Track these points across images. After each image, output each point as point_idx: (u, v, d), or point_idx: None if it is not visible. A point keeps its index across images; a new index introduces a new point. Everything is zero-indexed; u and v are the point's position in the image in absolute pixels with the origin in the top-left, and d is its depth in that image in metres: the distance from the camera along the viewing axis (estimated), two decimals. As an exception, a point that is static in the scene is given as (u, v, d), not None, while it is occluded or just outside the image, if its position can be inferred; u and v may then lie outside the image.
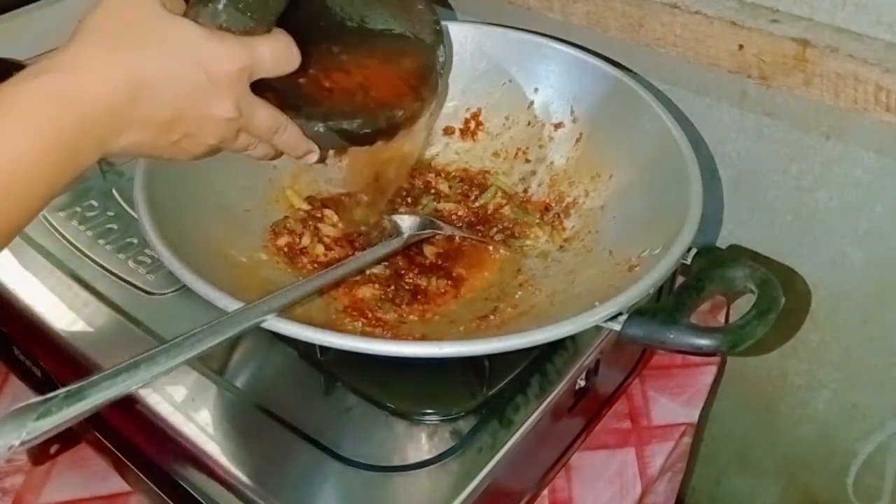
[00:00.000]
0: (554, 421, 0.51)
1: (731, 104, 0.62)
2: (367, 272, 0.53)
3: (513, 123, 0.63)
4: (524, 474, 0.52)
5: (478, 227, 0.58)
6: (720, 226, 0.69)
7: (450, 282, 0.53)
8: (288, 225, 0.56)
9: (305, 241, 0.55)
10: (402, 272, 0.53)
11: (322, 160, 0.50)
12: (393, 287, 0.52)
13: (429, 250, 0.55)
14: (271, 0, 0.42)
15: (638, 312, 0.42)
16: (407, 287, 0.52)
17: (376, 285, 0.52)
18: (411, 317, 0.51)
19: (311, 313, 0.48)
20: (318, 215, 0.57)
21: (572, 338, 0.51)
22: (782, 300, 0.42)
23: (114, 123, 0.36)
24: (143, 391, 0.47)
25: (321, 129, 0.47)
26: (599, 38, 0.63)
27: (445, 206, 0.59)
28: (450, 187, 0.61)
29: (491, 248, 0.56)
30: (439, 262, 0.55)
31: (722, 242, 0.70)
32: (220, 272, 0.46)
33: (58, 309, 0.53)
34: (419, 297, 0.52)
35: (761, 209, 0.65)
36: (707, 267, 0.46)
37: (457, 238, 0.56)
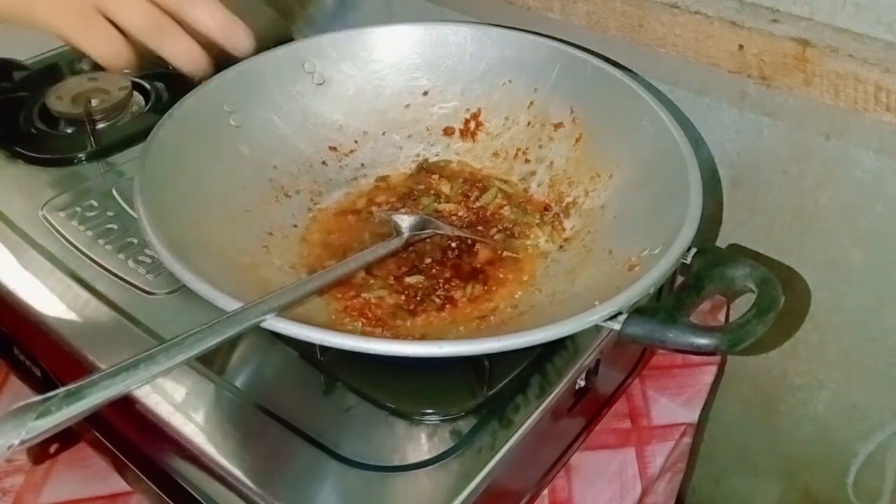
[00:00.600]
0: (554, 421, 0.51)
1: (731, 104, 0.62)
2: (405, 281, 0.52)
3: (513, 123, 0.63)
4: (524, 474, 0.52)
5: (477, 228, 0.58)
6: (720, 226, 0.69)
7: (485, 287, 0.53)
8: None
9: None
10: (442, 282, 0.53)
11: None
12: (420, 296, 0.52)
13: (483, 254, 0.55)
14: None
15: (638, 312, 0.42)
16: (438, 299, 0.52)
17: (402, 296, 0.52)
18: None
19: (311, 313, 0.48)
20: None
21: (572, 338, 0.51)
22: (782, 299, 0.42)
23: None
24: (143, 391, 0.47)
25: None
26: (599, 38, 0.63)
27: (446, 207, 0.59)
28: (451, 188, 0.61)
29: (519, 252, 0.56)
30: (481, 267, 0.54)
31: (722, 242, 0.70)
32: (220, 272, 0.46)
33: (58, 309, 0.53)
34: (447, 306, 0.52)
35: (761, 209, 0.65)
36: (707, 266, 0.46)
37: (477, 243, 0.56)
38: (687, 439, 0.63)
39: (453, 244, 0.56)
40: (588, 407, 0.57)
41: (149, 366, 0.35)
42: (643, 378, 0.64)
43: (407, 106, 0.65)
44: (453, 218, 0.58)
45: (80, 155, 0.66)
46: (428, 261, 0.54)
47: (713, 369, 0.66)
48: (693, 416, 0.62)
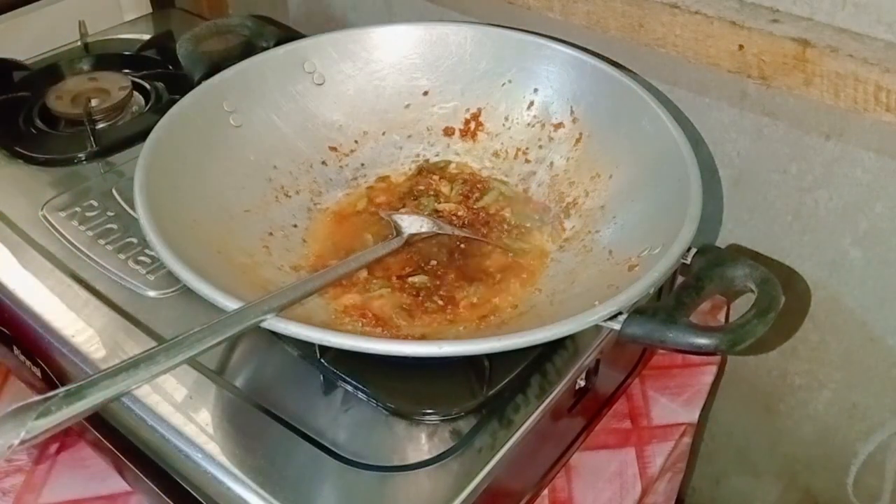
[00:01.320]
0: (554, 421, 0.51)
1: (731, 104, 0.62)
2: (408, 282, 0.52)
3: (513, 124, 0.63)
4: (524, 474, 0.52)
5: (477, 228, 0.58)
6: (720, 226, 0.69)
7: (486, 287, 0.53)
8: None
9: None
10: (444, 283, 0.53)
11: None
12: (421, 297, 0.52)
13: (497, 261, 0.55)
14: None
15: (638, 312, 0.42)
16: (440, 300, 0.52)
17: (404, 296, 0.51)
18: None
19: (311, 313, 0.48)
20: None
21: (572, 338, 0.51)
22: (782, 299, 0.42)
23: None
24: (144, 391, 0.47)
25: None
26: (599, 38, 0.63)
27: (446, 207, 0.59)
28: (451, 188, 0.61)
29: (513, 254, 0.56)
30: (484, 269, 0.54)
31: (722, 242, 0.70)
32: (220, 272, 0.46)
33: (58, 309, 0.53)
34: (448, 308, 0.51)
35: (761, 209, 0.65)
36: (707, 266, 0.46)
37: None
38: (687, 439, 0.63)
39: (462, 245, 0.56)
40: (588, 407, 0.57)
41: (149, 366, 0.35)
42: (643, 378, 0.64)
43: (407, 106, 0.65)
44: (453, 218, 0.58)
45: (80, 155, 0.66)
46: (433, 262, 0.54)
47: (713, 369, 0.66)
48: (693, 416, 0.62)
